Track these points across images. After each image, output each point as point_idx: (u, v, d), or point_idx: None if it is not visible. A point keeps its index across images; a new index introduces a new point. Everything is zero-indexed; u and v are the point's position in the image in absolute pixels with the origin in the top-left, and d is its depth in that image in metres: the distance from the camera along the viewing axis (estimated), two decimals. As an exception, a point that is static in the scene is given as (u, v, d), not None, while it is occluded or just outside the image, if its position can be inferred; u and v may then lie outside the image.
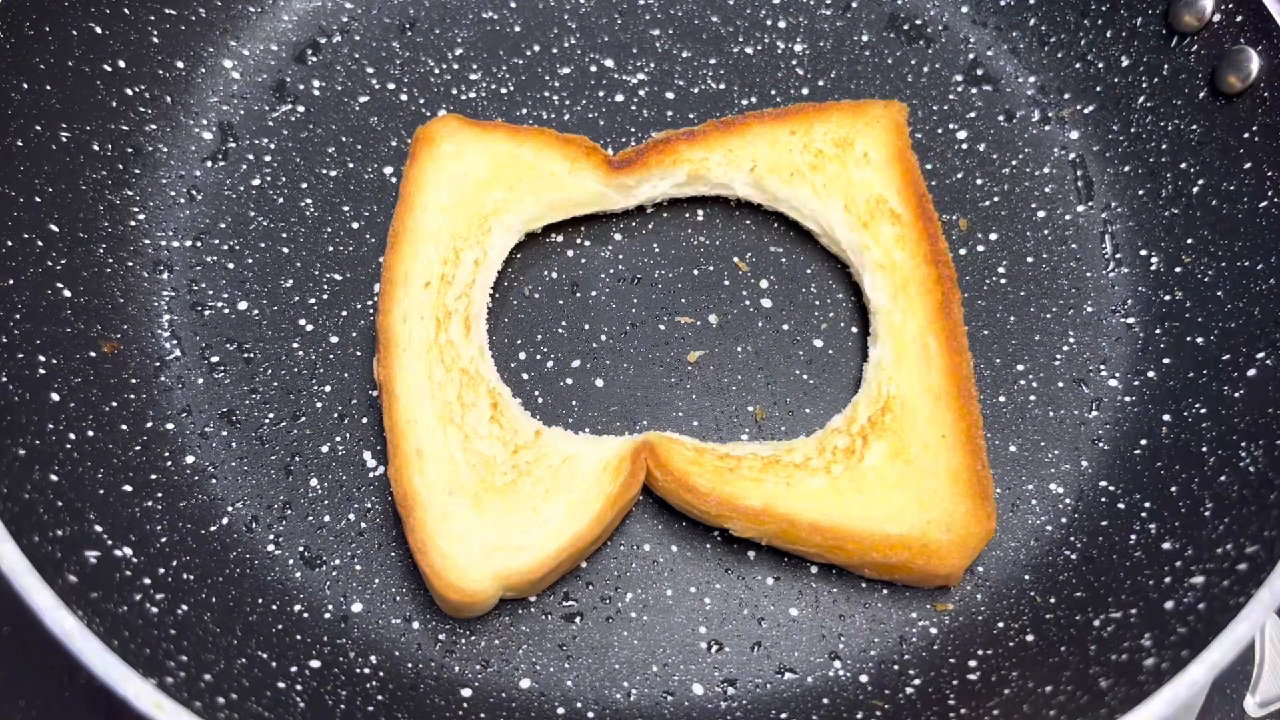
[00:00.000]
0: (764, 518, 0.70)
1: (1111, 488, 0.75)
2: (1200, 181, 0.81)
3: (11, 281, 0.71)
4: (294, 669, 0.65)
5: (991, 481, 0.72)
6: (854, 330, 0.81)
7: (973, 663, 0.69)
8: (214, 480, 0.74)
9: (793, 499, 0.71)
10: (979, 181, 0.87)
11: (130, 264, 0.79)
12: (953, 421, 0.73)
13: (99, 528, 0.64)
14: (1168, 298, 0.81)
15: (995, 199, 0.86)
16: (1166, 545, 0.69)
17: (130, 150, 0.82)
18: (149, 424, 0.74)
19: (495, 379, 0.75)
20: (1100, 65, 0.88)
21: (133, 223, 0.80)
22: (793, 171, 0.82)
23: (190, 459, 0.74)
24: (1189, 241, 0.81)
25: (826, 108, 0.85)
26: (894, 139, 0.83)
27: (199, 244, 0.81)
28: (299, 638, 0.68)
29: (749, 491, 0.71)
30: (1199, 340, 0.78)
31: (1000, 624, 0.71)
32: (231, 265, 0.81)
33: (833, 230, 0.81)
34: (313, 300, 0.80)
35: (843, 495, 0.71)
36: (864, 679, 0.69)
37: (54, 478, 0.64)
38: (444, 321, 0.75)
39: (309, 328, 0.79)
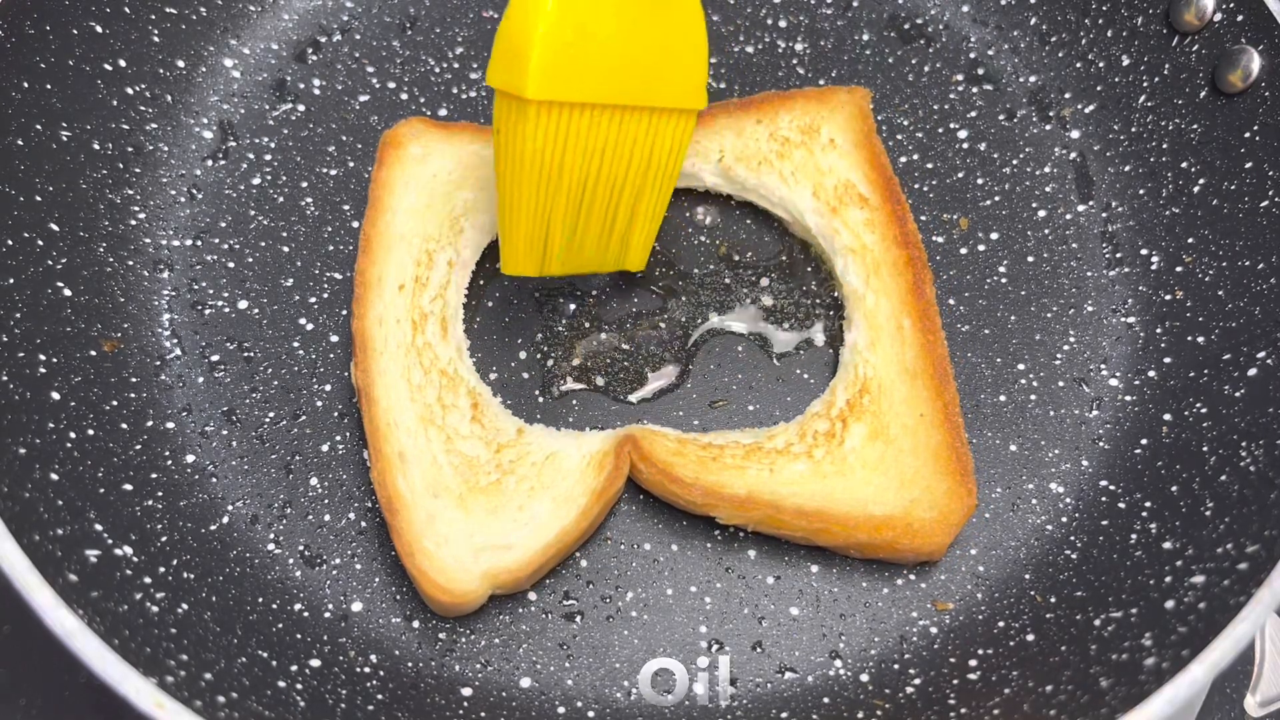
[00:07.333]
0: (748, 505, 0.70)
1: (1112, 487, 0.75)
2: (1201, 181, 0.81)
3: (12, 281, 0.70)
4: (294, 668, 0.65)
5: (971, 457, 0.72)
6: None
7: (973, 662, 0.69)
8: (214, 479, 0.74)
9: (776, 485, 0.71)
10: (979, 181, 0.87)
11: (130, 263, 0.79)
12: (930, 400, 0.74)
13: (99, 526, 0.64)
14: (1168, 297, 0.81)
15: (996, 198, 0.86)
16: (1167, 545, 0.69)
17: (130, 149, 0.81)
18: (149, 423, 0.74)
19: (475, 379, 0.75)
20: (1101, 64, 0.88)
21: (133, 221, 0.80)
22: (760, 160, 0.82)
23: (190, 458, 0.74)
24: (1190, 241, 0.81)
25: (791, 95, 0.85)
26: (859, 124, 0.83)
27: (199, 243, 0.81)
28: (299, 637, 0.68)
29: (733, 480, 0.71)
30: (1199, 340, 0.77)
31: (1000, 624, 0.71)
32: (232, 264, 0.81)
33: (802, 217, 0.81)
34: (313, 299, 0.80)
35: (825, 479, 0.71)
36: (864, 678, 0.69)
37: (54, 476, 0.64)
38: (420, 324, 0.75)
39: (309, 327, 0.79)
